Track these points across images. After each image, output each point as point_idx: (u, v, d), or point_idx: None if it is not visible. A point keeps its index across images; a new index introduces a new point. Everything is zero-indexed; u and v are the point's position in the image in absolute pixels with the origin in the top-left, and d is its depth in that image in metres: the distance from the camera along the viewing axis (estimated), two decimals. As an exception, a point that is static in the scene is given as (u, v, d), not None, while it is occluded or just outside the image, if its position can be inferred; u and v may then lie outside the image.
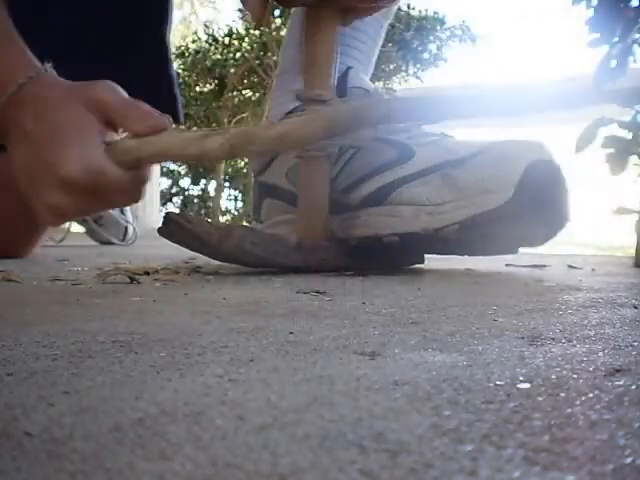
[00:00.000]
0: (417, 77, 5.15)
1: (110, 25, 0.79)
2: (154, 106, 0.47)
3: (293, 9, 0.81)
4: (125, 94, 0.47)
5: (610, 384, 0.22)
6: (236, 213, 6.60)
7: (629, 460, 0.15)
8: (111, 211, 1.36)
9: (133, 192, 0.47)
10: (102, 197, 0.46)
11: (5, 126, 0.47)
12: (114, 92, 0.47)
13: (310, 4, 0.65)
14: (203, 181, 6.61)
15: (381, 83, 4.90)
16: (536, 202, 0.60)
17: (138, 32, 0.80)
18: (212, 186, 6.36)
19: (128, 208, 1.41)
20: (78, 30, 0.77)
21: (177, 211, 6.33)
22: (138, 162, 0.46)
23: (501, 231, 0.63)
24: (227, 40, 5.13)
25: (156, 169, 4.07)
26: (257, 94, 5.19)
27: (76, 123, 0.45)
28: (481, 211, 0.60)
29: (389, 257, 0.69)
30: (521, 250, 0.71)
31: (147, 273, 0.61)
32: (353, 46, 0.76)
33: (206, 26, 5.65)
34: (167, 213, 0.61)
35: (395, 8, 0.84)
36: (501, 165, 0.61)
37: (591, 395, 0.21)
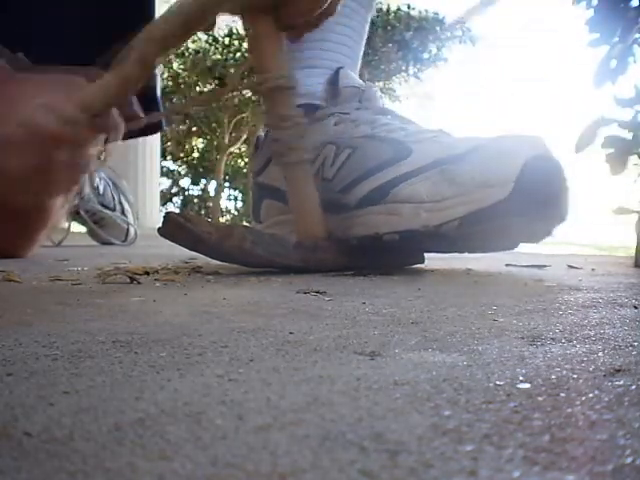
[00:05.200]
0: (417, 77, 5.15)
1: (92, 25, 0.78)
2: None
3: None
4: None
5: (610, 384, 0.22)
6: (236, 213, 6.60)
7: (629, 460, 0.15)
8: (112, 213, 1.36)
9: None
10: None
11: None
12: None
13: (239, 12, 0.65)
14: (203, 181, 6.61)
15: (381, 83, 4.90)
16: (536, 197, 0.60)
17: (120, 31, 0.80)
18: (212, 186, 6.36)
19: (129, 209, 1.42)
20: (60, 29, 0.76)
21: (177, 211, 6.32)
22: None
23: (501, 226, 0.62)
24: (227, 40, 5.13)
25: (156, 169, 4.07)
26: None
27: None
28: (481, 207, 0.60)
29: (389, 256, 0.69)
30: (521, 250, 0.71)
31: (147, 273, 0.61)
32: (341, 42, 0.76)
33: (206, 26, 5.65)
34: (167, 213, 0.61)
35: (376, 0, 0.84)
36: (500, 160, 0.60)
37: (591, 395, 0.21)
